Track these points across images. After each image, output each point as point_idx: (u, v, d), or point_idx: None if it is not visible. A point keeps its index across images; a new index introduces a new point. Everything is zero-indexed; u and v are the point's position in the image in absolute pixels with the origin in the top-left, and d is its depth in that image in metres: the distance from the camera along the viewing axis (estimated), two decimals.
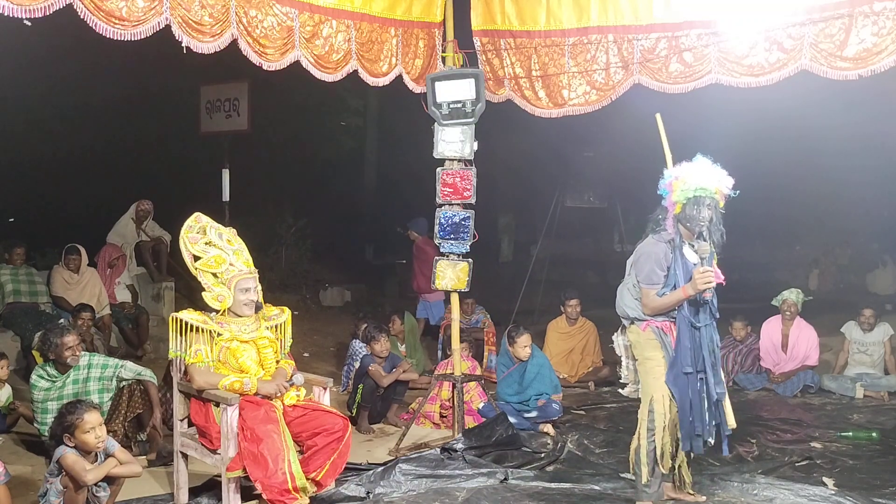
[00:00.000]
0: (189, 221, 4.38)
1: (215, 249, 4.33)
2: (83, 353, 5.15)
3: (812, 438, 5.87)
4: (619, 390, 7.47)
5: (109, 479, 3.99)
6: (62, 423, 3.95)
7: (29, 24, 3.53)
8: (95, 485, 3.94)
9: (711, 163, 4.09)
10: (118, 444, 4.11)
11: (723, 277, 4.08)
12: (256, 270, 4.42)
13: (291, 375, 4.40)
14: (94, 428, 3.91)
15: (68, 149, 9.71)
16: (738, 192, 4.10)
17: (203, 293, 4.28)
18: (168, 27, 4.01)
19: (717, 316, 4.18)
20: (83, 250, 7.64)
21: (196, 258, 4.31)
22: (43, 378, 4.99)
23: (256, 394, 4.23)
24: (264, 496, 3.94)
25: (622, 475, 4.89)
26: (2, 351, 5.78)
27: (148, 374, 5.24)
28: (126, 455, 4.09)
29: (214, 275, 4.29)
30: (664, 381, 4.19)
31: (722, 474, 4.91)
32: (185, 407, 4.45)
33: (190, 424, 4.45)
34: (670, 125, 4.26)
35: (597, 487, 4.72)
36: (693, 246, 4.12)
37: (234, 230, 4.54)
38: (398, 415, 6.45)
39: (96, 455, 4.00)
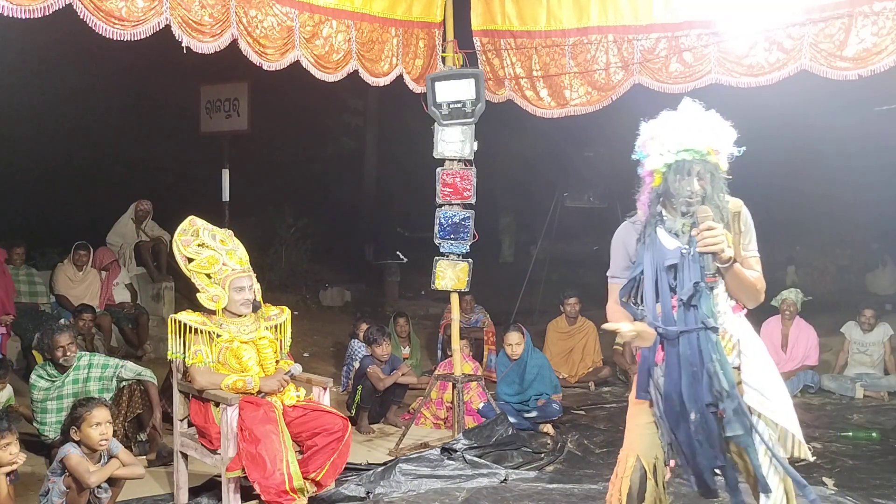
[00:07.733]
0: (183, 225, 4.40)
1: (208, 251, 4.34)
2: (83, 353, 5.15)
3: (812, 438, 5.85)
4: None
5: (111, 480, 4.00)
6: (72, 415, 3.98)
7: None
8: (97, 485, 3.94)
9: (703, 109, 2.90)
10: (122, 446, 4.12)
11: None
12: (251, 269, 4.43)
13: (289, 368, 4.41)
14: (100, 424, 3.92)
15: (68, 149, 9.70)
16: (743, 148, 2.92)
17: (198, 294, 4.28)
18: (168, 27, 4.01)
19: (711, 324, 2.78)
20: (91, 248, 7.77)
21: (189, 260, 4.32)
22: (42, 378, 4.98)
23: (259, 391, 4.23)
24: (262, 497, 3.94)
25: None
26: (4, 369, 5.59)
27: (148, 375, 5.24)
28: (129, 457, 4.10)
29: (208, 275, 4.30)
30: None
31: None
32: (185, 407, 4.45)
33: (190, 424, 4.45)
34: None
35: (597, 487, 4.71)
36: (671, 226, 2.88)
37: (231, 231, 4.55)
38: (398, 415, 6.45)
39: (100, 456, 4.00)
